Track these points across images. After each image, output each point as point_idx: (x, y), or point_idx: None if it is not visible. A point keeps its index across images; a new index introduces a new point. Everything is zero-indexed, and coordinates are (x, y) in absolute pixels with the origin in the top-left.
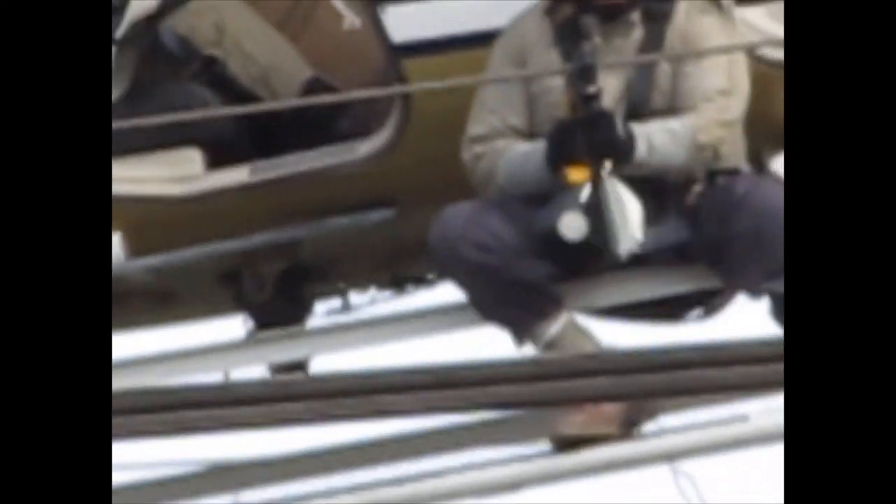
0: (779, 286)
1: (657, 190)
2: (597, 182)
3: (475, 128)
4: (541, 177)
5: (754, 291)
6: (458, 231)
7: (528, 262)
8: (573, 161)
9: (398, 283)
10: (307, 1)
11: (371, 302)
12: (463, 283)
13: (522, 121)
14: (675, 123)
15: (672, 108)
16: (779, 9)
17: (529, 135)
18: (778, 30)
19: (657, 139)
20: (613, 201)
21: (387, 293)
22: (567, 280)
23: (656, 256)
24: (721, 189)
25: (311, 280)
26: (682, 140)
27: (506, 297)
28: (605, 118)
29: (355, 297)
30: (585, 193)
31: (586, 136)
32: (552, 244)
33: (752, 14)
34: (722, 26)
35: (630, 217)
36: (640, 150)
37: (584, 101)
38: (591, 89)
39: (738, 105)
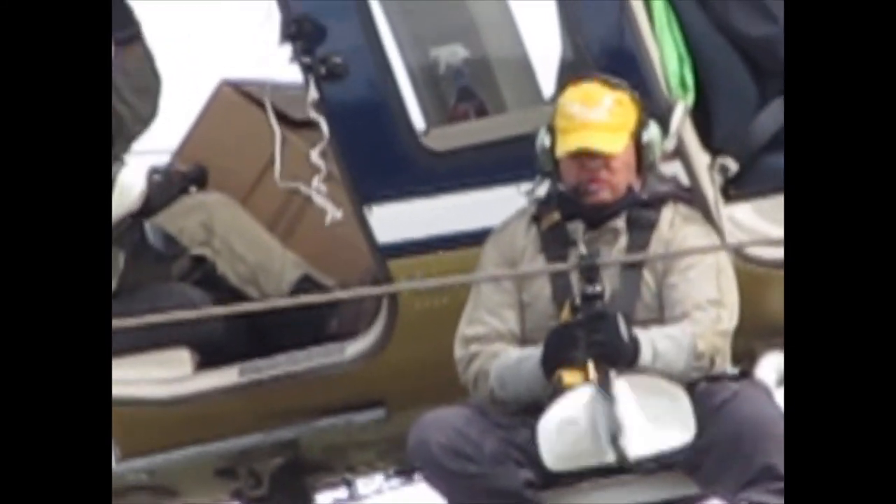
0: (755, 495)
1: None
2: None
3: (473, 328)
4: (533, 381)
5: (731, 501)
6: (437, 438)
7: (507, 470)
8: (568, 364)
9: (405, 471)
10: (298, 199)
11: (378, 491)
12: (442, 489)
13: (517, 326)
14: (674, 330)
15: (655, 321)
16: (766, 206)
17: (522, 342)
18: (765, 227)
19: (661, 345)
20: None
21: (394, 481)
22: (546, 488)
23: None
24: (700, 396)
25: (311, 472)
26: (683, 347)
27: None
28: (608, 320)
29: (362, 487)
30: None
31: (588, 338)
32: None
33: (740, 212)
34: (706, 234)
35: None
36: (645, 355)
37: (586, 301)
38: (595, 289)
39: (729, 317)
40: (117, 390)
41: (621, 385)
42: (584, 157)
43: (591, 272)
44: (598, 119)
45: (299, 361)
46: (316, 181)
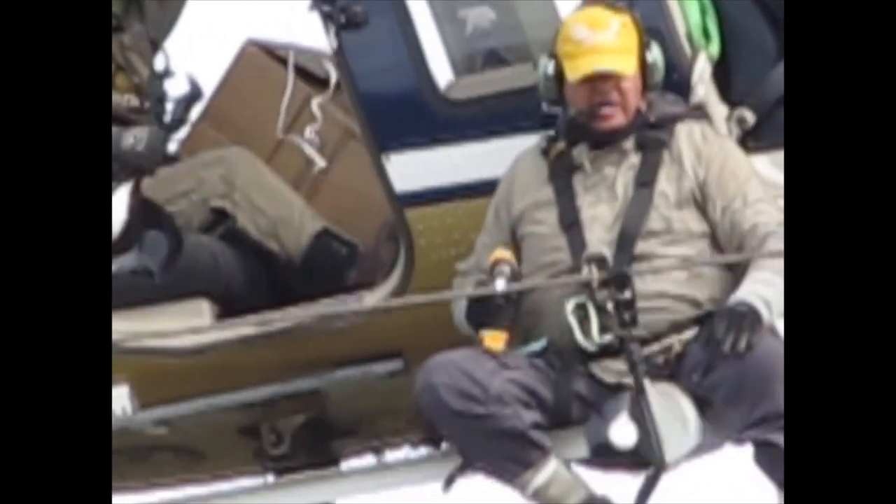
0: (762, 434)
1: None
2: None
3: (466, 263)
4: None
5: (738, 439)
6: (443, 379)
7: (513, 411)
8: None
9: (433, 440)
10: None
11: (405, 460)
12: (449, 431)
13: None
14: (768, 275)
15: (670, 231)
16: (783, 158)
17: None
18: (782, 179)
19: (771, 296)
20: (666, 409)
21: (422, 450)
22: (554, 429)
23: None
24: (711, 335)
25: (336, 437)
26: (779, 286)
27: (491, 446)
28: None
29: (390, 455)
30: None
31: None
32: (606, 453)
33: (758, 164)
34: (734, 146)
35: (685, 423)
36: (765, 318)
37: (618, 308)
38: (626, 295)
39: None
40: (135, 341)
41: (653, 392)
42: (596, 80)
43: (621, 280)
44: (608, 42)
45: (317, 311)
46: (309, 131)
